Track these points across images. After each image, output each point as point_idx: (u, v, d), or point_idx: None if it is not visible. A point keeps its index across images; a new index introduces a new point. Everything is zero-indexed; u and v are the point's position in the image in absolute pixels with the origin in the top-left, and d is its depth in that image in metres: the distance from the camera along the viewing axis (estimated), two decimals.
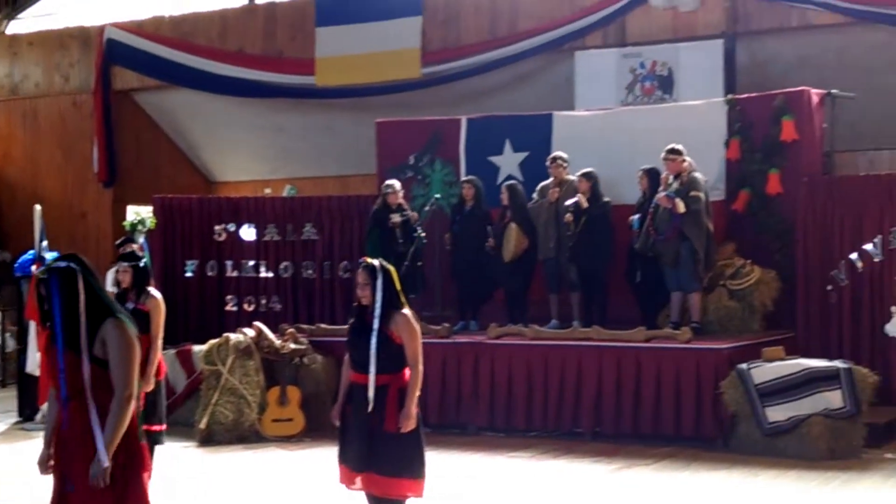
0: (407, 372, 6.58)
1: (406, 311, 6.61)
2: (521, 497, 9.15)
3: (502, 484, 9.57)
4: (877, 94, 13.95)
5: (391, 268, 6.68)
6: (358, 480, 6.56)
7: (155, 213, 14.37)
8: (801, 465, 9.87)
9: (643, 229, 11.76)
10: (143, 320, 8.57)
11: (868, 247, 11.59)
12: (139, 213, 14.01)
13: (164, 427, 8.88)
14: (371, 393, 6.46)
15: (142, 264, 8.88)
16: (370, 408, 6.45)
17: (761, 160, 12.46)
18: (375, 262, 6.67)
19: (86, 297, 5.11)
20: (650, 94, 14.53)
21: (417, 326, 6.68)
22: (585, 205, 12.00)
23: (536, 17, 15.58)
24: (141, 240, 13.59)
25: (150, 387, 8.49)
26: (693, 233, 11.54)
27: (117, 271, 8.91)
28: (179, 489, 9.41)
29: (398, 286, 6.63)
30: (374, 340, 6.49)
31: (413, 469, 6.56)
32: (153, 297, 8.77)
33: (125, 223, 14.20)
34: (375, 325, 6.49)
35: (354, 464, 6.54)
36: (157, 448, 8.77)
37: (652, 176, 11.99)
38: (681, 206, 11.45)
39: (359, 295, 6.61)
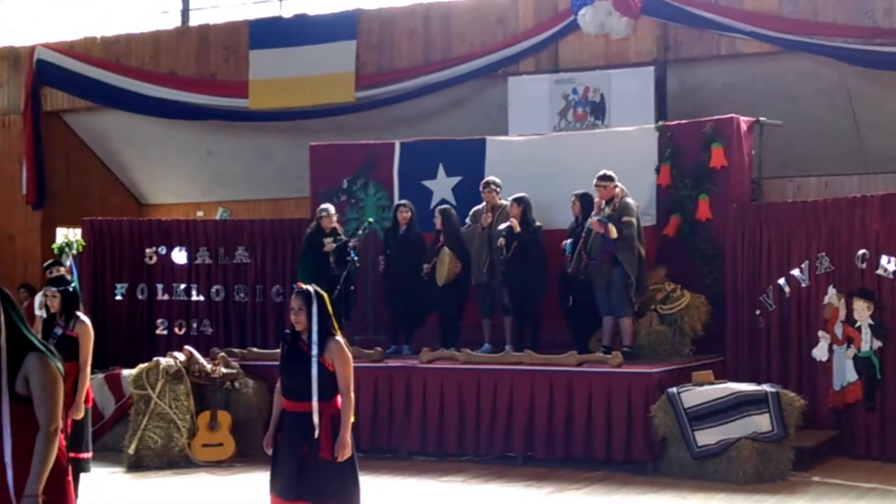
0: (339, 399, 6.54)
1: (339, 337, 6.59)
2: None
3: None
4: (804, 121, 14.19)
5: (324, 293, 6.66)
6: None
7: (84, 235, 14.21)
8: (729, 489, 9.95)
9: (576, 254, 11.84)
10: (71, 346, 8.46)
11: (795, 272, 11.76)
12: (67, 236, 13.84)
13: (90, 454, 8.76)
14: (316, 419, 6.41)
15: (71, 289, 8.77)
16: (316, 434, 6.40)
17: (691, 186, 12.61)
18: (310, 287, 6.63)
19: (6, 331, 4.90)
20: (582, 120, 14.65)
21: (349, 353, 6.66)
22: (518, 229, 12.05)
23: (470, 43, 15.67)
24: (69, 262, 13.42)
25: (80, 414, 8.38)
26: (625, 257, 11.64)
27: (45, 296, 8.80)
28: None
29: (331, 312, 6.61)
30: (314, 368, 6.44)
31: (347, 497, 6.52)
32: (82, 322, 8.67)
33: (53, 246, 14.01)
34: (314, 351, 6.45)
35: (285, 492, 6.48)
36: (84, 475, 8.64)
37: (584, 201, 12.09)
38: (613, 232, 11.55)
39: (293, 321, 6.56)
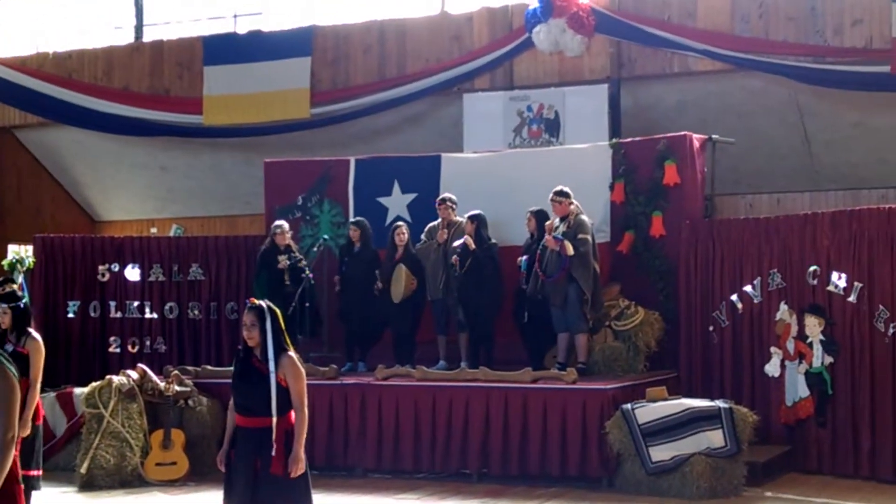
0: (292, 414, 6.53)
1: (291, 352, 6.58)
2: None
3: None
4: (756, 139, 14.33)
5: (277, 309, 6.65)
6: None
7: (36, 252, 14.08)
8: None
9: (532, 272, 11.86)
10: (22, 363, 8.35)
11: (748, 288, 11.86)
12: (18, 253, 13.72)
13: (40, 472, 8.67)
14: (274, 436, 6.38)
15: (22, 305, 8.69)
16: (274, 451, 6.37)
17: (645, 203, 12.69)
18: (263, 303, 6.62)
19: None
20: (537, 137, 14.71)
21: (302, 368, 6.64)
22: (473, 246, 12.07)
23: (425, 59, 15.70)
24: (20, 279, 13.31)
25: (27, 431, 8.29)
26: (581, 274, 11.68)
27: None
28: None
29: (283, 327, 6.60)
30: (273, 384, 6.42)
31: None
32: (33, 339, 8.59)
33: (4, 262, 13.90)
34: (271, 367, 6.43)
35: None
36: (34, 494, 8.55)
37: (539, 218, 12.13)
38: (569, 249, 11.59)
39: (245, 337, 6.55)
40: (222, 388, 11.45)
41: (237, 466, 6.50)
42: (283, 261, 12.71)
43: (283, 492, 6.42)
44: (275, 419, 6.40)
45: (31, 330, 8.67)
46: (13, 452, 4.95)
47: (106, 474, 11.36)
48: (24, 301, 8.84)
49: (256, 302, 6.62)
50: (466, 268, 12.09)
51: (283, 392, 6.48)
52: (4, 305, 8.59)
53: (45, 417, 12.10)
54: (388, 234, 12.81)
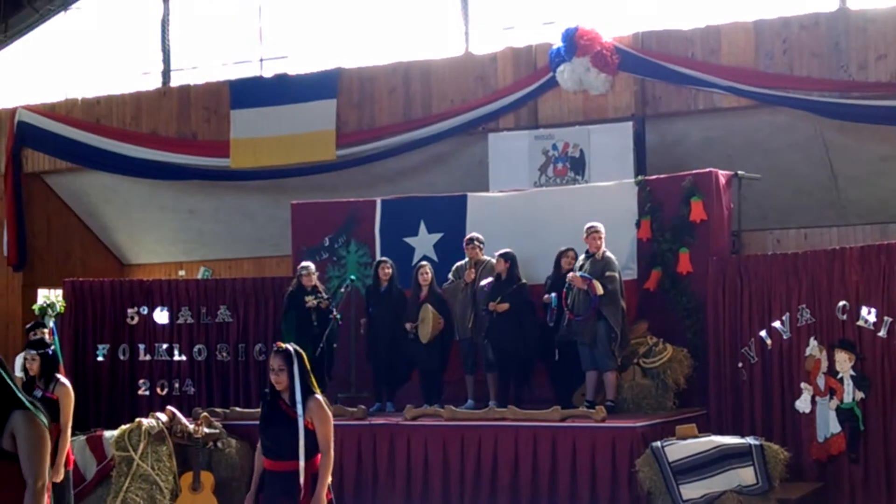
0: (319, 458, 6.52)
1: (319, 395, 6.58)
2: None
3: None
4: (781, 174, 14.30)
5: (302, 351, 6.66)
6: None
7: (66, 296, 14.18)
8: None
9: (564, 315, 11.82)
10: (51, 409, 8.42)
11: (777, 324, 11.80)
12: (48, 297, 13.82)
13: None
14: (302, 480, 6.39)
15: (50, 352, 8.75)
16: (301, 495, 6.37)
17: (671, 240, 12.67)
18: (290, 346, 6.62)
19: None
20: (562, 176, 14.73)
21: (329, 411, 6.64)
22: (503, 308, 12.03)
23: (450, 100, 15.77)
24: (51, 324, 13.40)
25: (60, 477, 8.34)
26: (610, 312, 11.66)
27: (25, 358, 8.79)
28: None
29: (309, 370, 6.61)
30: (301, 427, 6.42)
31: None
32: (62, 384, 8.64)
33: (34, 307, 13.99)
34: (299, 411, 6.43)
35: None
36: None
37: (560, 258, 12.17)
38: (599, 288, 11.58)
39: (273, 380, 6.55)
40: (251, 430, 11.45)
41: None
42: (311, 300, 12.74)
43: None
44: (303, 463, 6.41)
45: (60, 376, 8.73)
46: (45, 500, 4.96)
47: None
48: (52, 348, 8.91)
49: (283, 346, 6.63)
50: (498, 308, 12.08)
51: (311, 435, 6.49)
52: (33, 352, 8.66)
53: (75, 462, 12.21)
54: (413, 274, 12.83)
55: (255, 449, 6.84)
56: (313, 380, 6.61)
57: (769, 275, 11.97)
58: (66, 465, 8.70)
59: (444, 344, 12.56)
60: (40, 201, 18.50)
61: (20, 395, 5.00)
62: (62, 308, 13.86)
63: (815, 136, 14.14)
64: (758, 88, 13.98)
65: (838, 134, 14.01)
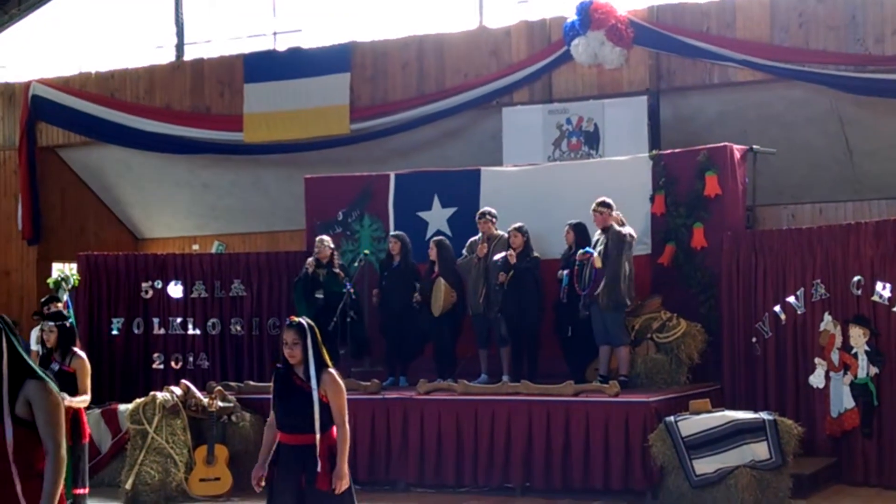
0: (334, 430, 6.54)
1: (332, 369, 6.58)
2: None
3: None
4: (797, 148, 14.24)
5: (314, 325, 6.67)
6: None
7: (80, 270, 14.20)
8: None
9: (583, 297, 11.80)
10: (68, 381, 8.46)
11: (791, 299, 11.77)
12: (62, 271, 13.85)
13: (86, 490, 8.75)
14: (318, 452, 6.41)
15: (68, 324, 8.77)
16: (319, 467, 6.39)
17: (686, 214, 12.63)
18: (303, 320, 6.63)
19: (8, 356, 4.98)
20: (576, 150, 14.69)
21: (342, 383, 6.65)
22: (514, 261, 12.06)
23: (464, 74, 15.73)
24: (65, 297, 13.42)
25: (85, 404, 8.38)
26: (613, 285, 11.64)
27: (42, 331, 8.81)
28: None
29: (322, 343, 6.61)
30: (316, 401, 6.43)
31: None
32: (79, 357, 8.67)
33: (49, 280, 14.02)
34: (314, 384, 6.43)
35: None
36: None
37: (578, 230, 12.11)
38: (598, 262, 11.57)
39: (287, 354, 6.54)
40: (265, 404, 11.43)
41: (281, 484, 6.50)
42: (319, 295, 12.74)
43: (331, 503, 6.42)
44: (318, 435, 6.42)
45: (77, 349, 8.75)
46: (65, 467, 5.02)
47: (151, 490, 11.43)
48: (69, 320, 8.93)
49: (296, 319, 6.63)
50: (509, 281, 12.08)
51: (326, 408, 6.50)
52: (51, 324, 8.69)
53: (90, 435, 12.27)
54: (427, 248, 12.82)
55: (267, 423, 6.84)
56: (326, 353, 6.61)
57: (784, 250, 11.94)
58: (82, 438, 8.73)
59: (455, 318, 12.57)
60: (54, 175, 18.53)
61: (32, 364, 5.07)
62: (76, 282, 13.89)
63: (830, 111, 14.07)
64: (773, 62, 13.92)
65: (854, 108, 13.94)
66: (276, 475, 6.55)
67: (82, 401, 8.66)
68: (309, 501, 6.39)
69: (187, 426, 11.74)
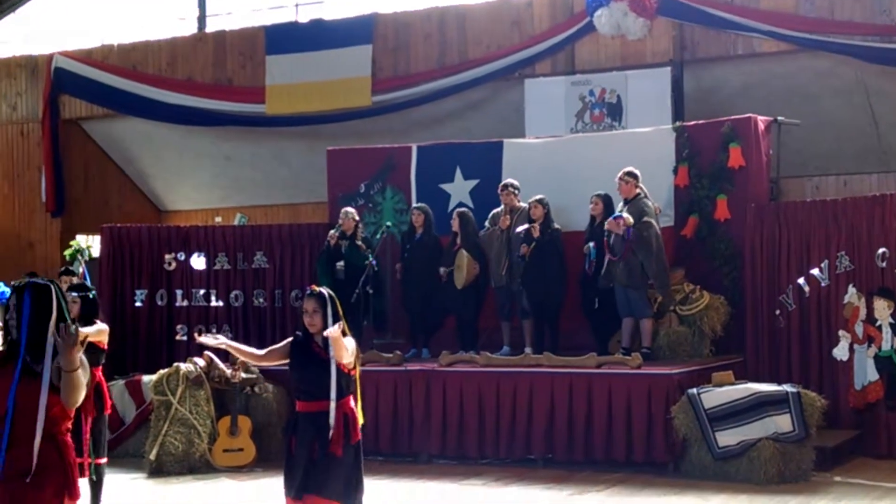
0: (350, 399, 6.59)
1: (350, 338, 6.60)
2: None
3: None
4: (822, 120, 14.15)
5: (335, 295, 6.68)
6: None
7: (104, 242, 14.25)
8: (751, 489, 9.92)
9: (605, 263, 11.74)
10: (89, 353, 8.46)
11: (815, 272, 11.72)
12: (78, 243, 13.88)
13: (105, 460, 8.80)
14: (332, 420, 6.44)
15: (91, 295, 8.79)
16: (330, 433, 6.42)
17: (709, 186, 12.57)
18: (323, 290, 6.65)
19: (57, 318, 5.14)
20: (599, 122, 14.63)
21: (356, 351, 6.64)
22: (537, 234, 12.02)
23: (486, 45, 15.68)
24: (81, 269, 13.47)
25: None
26: (645, 257, 11.60)
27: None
28: None
29: (342, 313, 6.63)
30: (333, 368, 6.47)
31: (350, 494, 6.55)
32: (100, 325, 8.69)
33: (65, 252, 14.06)
34: (331, 353, 6.48)
35: (296, 490, 6.52)
36: (105, 479, 8.69)
37: (606, 202, 12.06)
38: (630, 220, 11.49)
39: (307, 323, 6.59)
40: (288, 376, 11.50)
41: (297, 451, 6.55)
42: (340, 267, 12.75)
43: (337, 472, 6.48)
44: (334, 403, 6.46)
45: (99, 321, 8.75)
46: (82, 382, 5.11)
47: (174, 460, 11.50)
48: (92, 292, 8.95)
49: (317, 289, 6.66)
50: (531, 254, 12.06)
51: (343, 376, 6.54)
52: (74, 294, 8.70)
53: (113, 405, 12.34)
54: (450, 220, 12.81)
55: (291, 393, 6.89)
56: (345, 323, 6.61)
57: (808, 222, 11.88)
58: (104, 409, 8.76)
59: (478, 290, 12.56)
60: (77, 147, 18.59)
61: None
62: (90, 255, 13.93)
63: (856, 82, 13.96)
64: (798, 33, 13.81)
65: (880, 79, 13.82)
66: (294, 443, 6.58)
67: (98, 331, 8.59)
68: (320, 465, 6.43)
69: (211, 397, 11.80)
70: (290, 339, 6.81)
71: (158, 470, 11.44)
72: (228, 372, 11.84)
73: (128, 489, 10.75)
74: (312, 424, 6.49)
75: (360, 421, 6.68)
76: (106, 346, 8.83)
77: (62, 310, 5.17)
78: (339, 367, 6.50)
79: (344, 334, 6.51)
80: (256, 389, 11.99)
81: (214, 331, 14.01)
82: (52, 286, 5.21)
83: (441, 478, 10.90)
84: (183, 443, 11.55)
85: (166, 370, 11.95)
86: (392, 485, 10.53)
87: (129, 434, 12.46)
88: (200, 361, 11.95)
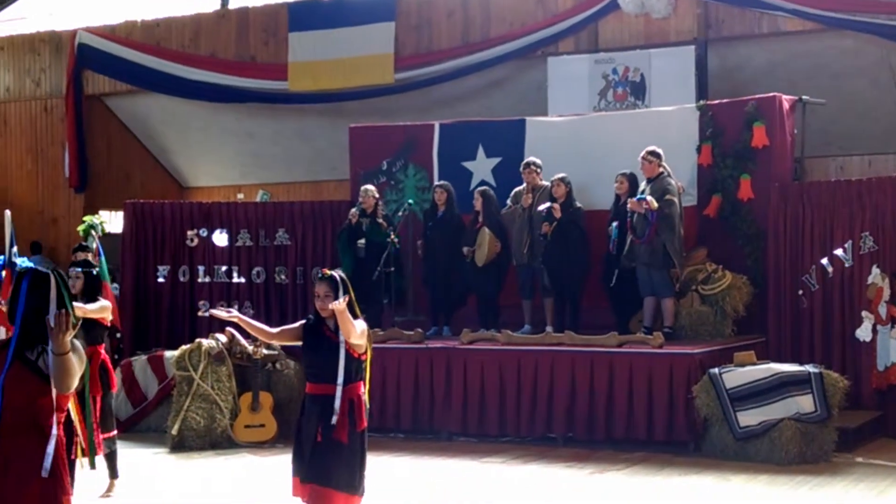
0: (360, 385, 6.50)
1: (361, 321, 6.49)
2: (493, 502, 9.14)
3: (475, 489, 9.55)
4: (847, 100, 14.06)
5: (346, 278, 6.59)
6: (306, 491, 6.44)
7: (127, 218, 14.30)
8: (772, 469, 9.91)
9: (628, 243, 11.71)
10: (91, 329, 8.45)
11: (839, 252, 11.67)
12: (91, 218, 13.92)
13: (115, 433, 8.87)
14: (337, 405, 6.34)
15: (94, 272, 8.74)
16: (333, 419, 6.33)
17: (732, 166, 12.52)
18: (336, 273, 6.56)
19: (56, 307, 4.96)
20: (622, 100, 14.58)
21: (369, 333, 6.54)
22: (559, 215, 11.99)
23: (509, 23, 15.62)
24: (95, 244, 13.51)
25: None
26: (667, 237, 11.57)
27: (70, 277, 8.76)
28: (151, 495, 9.37)
29: (353, 296, 6.52)
30: (342, 352, 6.39)
31: (352, 481, 6.42)
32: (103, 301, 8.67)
33: (79, 228, 14.09)
34: (342, 337, 6.40)
35: (303, 475, 6.43)
36: (126, 454, 8.75)
37: (631, 180, 12.02)
38: (653, 203, 11.47)
39: (319, 307, 6.48)
40: None
41: (304, 433, 6.48)
42: (361, 245, 12.75)
43: (341, 460, 6.38)
44: (340, 387, 6.36)
45: (102, 298, 8.71)
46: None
47: (196, 436, 11.55)
48: (96, 269, 8.89)
49: (329, 272, 6.57)
50: (552, 232, 12.04)
51: (352, 361, 6.45)
52: (78, 270, 8.66)
53: (136, 380, 12.44)
54: (472, 198, 12.80)
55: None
56: (357, 306, 6.54)
57: (832, 202, 11.83)
58: (110, 386, 8.79)
59: (500, 268, 12.55)
60: (101, 123, 18.64)
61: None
62: (104, 230, 13.97)
63: (881, 61, 13.86)
64: (823, 11, 13.72)
65: None
66: (303, 424, 6.52)
67: (100, 307, 8.58)
68: (323, 452, 6.35)
69: (232, 373, 11.84)
70: (303, 321, 6.74)
71: (180, 445, 11.50)
72: (250, 348, 11.87)
73: (150, 463, 10.81)
74: (318, 407, 6.41)
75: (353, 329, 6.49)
76: (109, 323, 8.81)
77: (62, 299, 4.98)
78: (349, 351, 6.42)
79: (356, 316, 6.43)
80: (278, 366, 12.04)
81: (237, 307, 14.07)
82: (52, 275, 5.04)
83: (461, 455, 10.93)
84: (205, 418, 11.61)
85: (188, 346, 11.99)
86: (412, 462, 10.56)
87: (152, 409, 12.53)
88: (222, 337, 11.99)
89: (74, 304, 8.32)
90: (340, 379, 6.36)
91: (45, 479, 4.85)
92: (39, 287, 4.99)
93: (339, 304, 6.25)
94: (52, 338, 4.79)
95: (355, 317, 6.44)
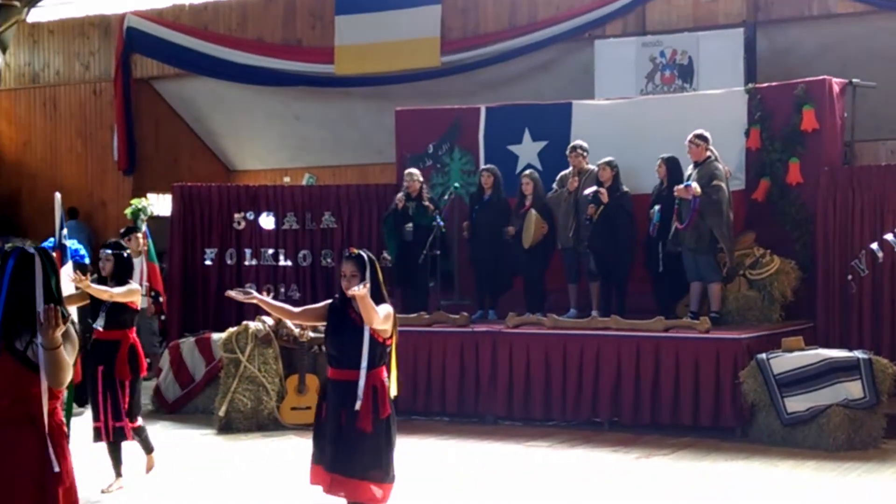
0: (383, 370, 6.31)
1: (388, 305, 6.28)
2: (539, 486, 9.15)
3: (520, 473, 9.56)
4: None
5: (374, 258, 6.41)
6: (329, 480, 6.27)
7: (175, 201, 14.40)
8: (819, 456, 9.84)
9: (672, 229, 11.66)
10: (118, 313, 8.45)
11: (889, 237, 11.53)
12: (138, 201, 14.02)
13: (139, 422, 8.84)
14: (360, 391, 6.16)
15: (125, 254, 8.73)
16: (357, 405, 6.15)
17: (781, 149, 12.42)
18: (363, 252, 6.35)
19: (44, 293, 4.77)
20: (670, 84, 14.49)
21: (392, 314, 6.28)
22: (605, 199, 11.94)
23: (556, 6, 15.56)
24: (143, 227, 13.61)
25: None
26: (714, 222, 11.50)
27: (101, 258, 8.76)
28: (198, 476, 9.45)
29: (381, 278, 6.34)
30: (366, 337, 6.19)
31: (379, 471, 6.25)
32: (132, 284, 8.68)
33: (126, 211, 14.19)
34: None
35: (327, 463, 6.27)
36: (174, 435, 8.78)
37: (671, 165, 11.96)
38: (696, 189, 11.40)
39: (344, 287, 6.21)
40: None
41: (328, 418, 6.31)
42: (409, 229, 12.77)
43: (365, 448, 6.21)
44: (364, 372, 6.18)
45: (132, 281, 8.69)
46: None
47: (243, 417, 11.63)
48: (127, 251, 8.87)
49: (356, 251, 6.35)
50: (599, 216, 12.00)
51: (377, 346, 6.25)
52: (108, 252, 8.62)
53: (183, 362, 12.50)
54: (518, 182, 12.78)
55: None
56: (383, 288, 6.37)
57: (882, 186, 11.70)
58: (139, 371, 8.69)
59: (546, 250, 12.53)
60: (149, 107, 18.77)
61: (62, 305, 4.83)
62: (151, 213, 14.07)
63: None
64: None
65: None
66: (325, 410, 6.34)
67: (128, 290, 8.54)
68: (348, 441, 6.18)
69: (279, 355, 11.91)
70: (328, 301, 6.51)
71: (227, 426, 11.59)
72: (296, 331, 11.93)
73: (197, 445, 10.90)
74: (341, 394, 6.23)
75: (394, 393, 6.35)
76: (137, 307, 8.77)
77: (49, 284, 4.77)
78: (373, 336, 6.21)
79: (382, 300, 6.23)
80: (324, 348, 12.07)
81: (283, 290, 14.14)
82: (36, 256, 4.81)
83: (507, 439, 10.94)
84: (252, 400, 11.68)
85: (235, 328, 12.07)
86: (458, 445, 10.58)
87: (199, 391, 12.63)
88: (269, 320, 12.05)
89: (103, 287, 8.45)
90: (364, 363, 6.18)
91: (40, 470, 4.71)
92: (24, 268, 4.78)
93: (360, 290, 5.95)
94: (42, 333, 4.60)
95: (382, 300, 6.22)
